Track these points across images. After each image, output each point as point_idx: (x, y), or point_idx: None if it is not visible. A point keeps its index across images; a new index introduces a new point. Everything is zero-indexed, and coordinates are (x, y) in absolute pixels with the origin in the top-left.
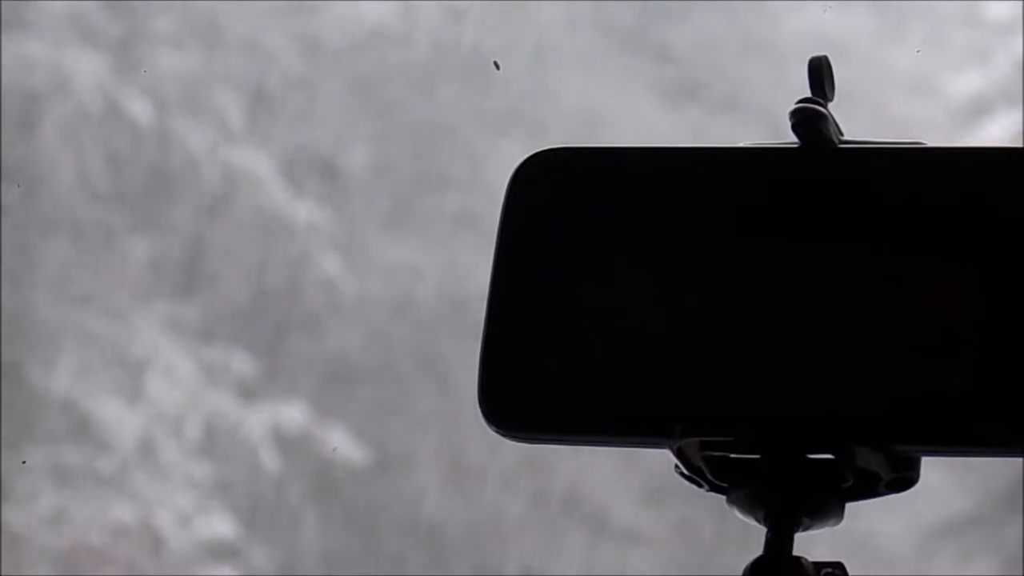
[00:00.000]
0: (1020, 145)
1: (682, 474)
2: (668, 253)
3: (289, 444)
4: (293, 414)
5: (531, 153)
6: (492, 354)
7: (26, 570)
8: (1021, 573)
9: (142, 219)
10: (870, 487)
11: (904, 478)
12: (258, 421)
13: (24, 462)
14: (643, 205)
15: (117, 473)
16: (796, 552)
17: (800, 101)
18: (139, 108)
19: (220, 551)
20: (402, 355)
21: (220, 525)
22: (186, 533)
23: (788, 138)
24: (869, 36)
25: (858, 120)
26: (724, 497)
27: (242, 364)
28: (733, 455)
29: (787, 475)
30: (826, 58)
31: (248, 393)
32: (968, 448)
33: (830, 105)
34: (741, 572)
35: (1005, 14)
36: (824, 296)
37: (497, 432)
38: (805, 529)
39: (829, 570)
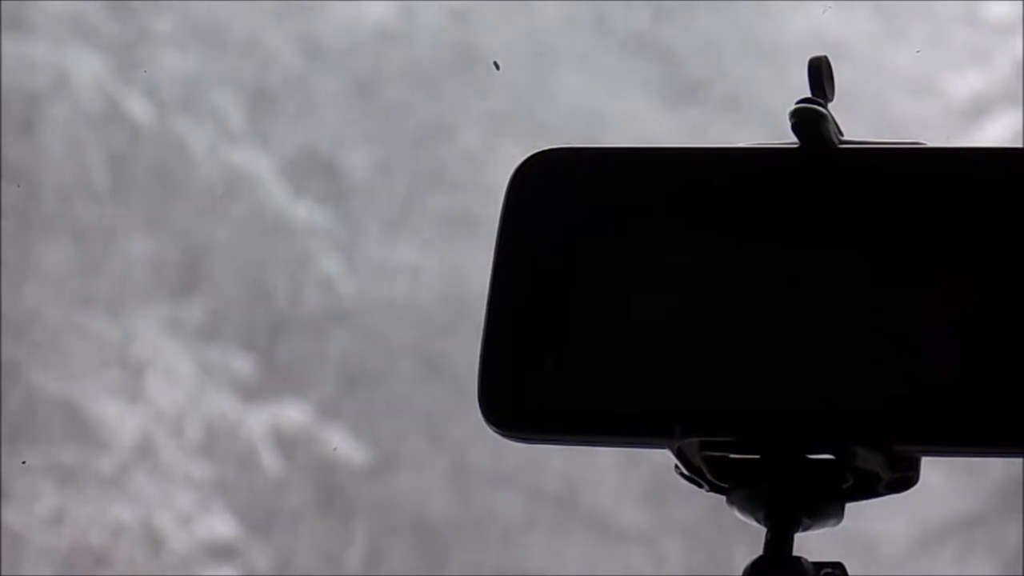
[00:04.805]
0: (1020, 145)
1: (682, 474)
2: (668, 253)
3: (289, 444)
4: (293, 414)
5: (531, 153)
6: (492, 354)
7: (26, 570)
8: (1021, 573)
9: (142, 219)
10: (870, 487)
11: (904, 478)
12: (257, 421)
13: (24, 462)
14: (643, 205)
15: (117, 473)
16: (796, 552)
17: (800, 101)
18: (139, 108)
19: (220, 551)
20: (402, 356)
21: (220, 525)
22: (186, 533)
23: (788, 138)
24: (869, 36)
25: (858, 120)
26: (724, 497)
27: (242, 364)
28: (733, 455)
29: (787, 475)
30: (826, 58)
31: (248, 393)
32: (968, 448)
33: (830, 105)
34: (741, 572)
35: (1005, 14)
36: (824, 296)
37: (497, 432)
38: (805, 529)
39: (829, 570)
